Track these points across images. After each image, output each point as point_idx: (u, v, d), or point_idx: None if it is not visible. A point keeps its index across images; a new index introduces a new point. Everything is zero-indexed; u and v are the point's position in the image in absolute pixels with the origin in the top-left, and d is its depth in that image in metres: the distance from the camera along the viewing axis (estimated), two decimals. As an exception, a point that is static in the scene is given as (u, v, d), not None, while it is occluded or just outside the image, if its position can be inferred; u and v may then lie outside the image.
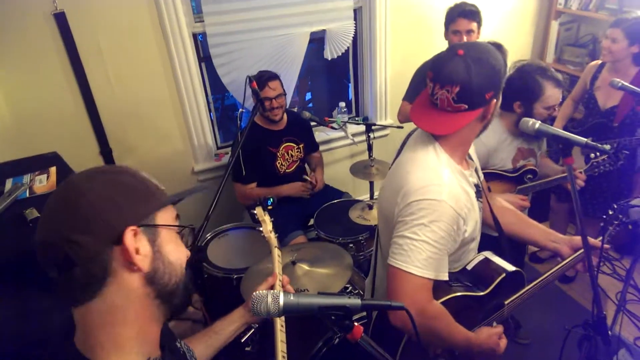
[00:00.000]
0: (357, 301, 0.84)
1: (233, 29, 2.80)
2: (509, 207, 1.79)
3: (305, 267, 2.04)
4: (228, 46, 2.83)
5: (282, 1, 2.84)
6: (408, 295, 1.30)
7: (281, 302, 0.84)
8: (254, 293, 0.87)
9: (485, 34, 2.74)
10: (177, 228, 0.86)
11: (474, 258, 1.58)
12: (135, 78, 2.68)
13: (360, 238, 2.52)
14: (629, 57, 2.55)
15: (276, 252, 1.51)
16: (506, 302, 1.52)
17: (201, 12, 2.71)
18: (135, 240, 0.77)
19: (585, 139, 1.27)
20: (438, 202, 1.29)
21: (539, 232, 1.70)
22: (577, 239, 1.59)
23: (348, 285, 2.26)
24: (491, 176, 2.20)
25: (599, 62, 2.76)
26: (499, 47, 2.53)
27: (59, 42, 2.41)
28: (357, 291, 2.29)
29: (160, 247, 0.82)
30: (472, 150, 1.61)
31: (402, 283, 1.32)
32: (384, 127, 3.34)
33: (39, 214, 1.60)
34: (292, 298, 0.85)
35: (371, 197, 3.05)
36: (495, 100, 1.32)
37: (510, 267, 1.54)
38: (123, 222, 0.76)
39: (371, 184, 3.01)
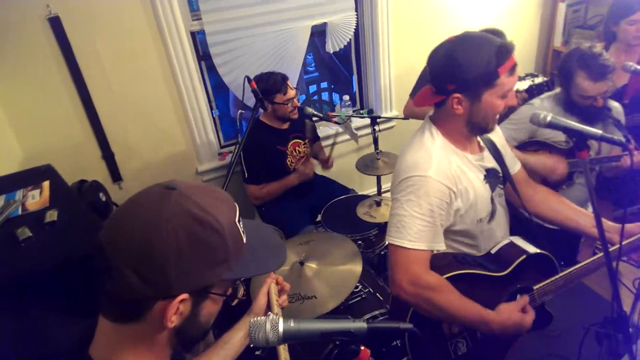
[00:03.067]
0: (362, 325, 0.79)
1: (232, 26, 2.74)
2: (552, 193, 1.75)
3: (314, 266, 2.00)
4: (228, 44, 2.78)
5: (281, -5, 2.78)
6: (403, 268, 1.38)
7: (280, 329, 0.79)
8: (251, 321, 0.83)
9: (492, 17, 2.68)
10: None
11: (499, 243, 1.58)
12: (135, 79, 2.64)
13: (369, 235, 2.48)
14: None
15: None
16: (535, 287, 1.48)
17: (199, 10, 2.66)
18: (180, 304, 0.76)
19: (600, 132, 1.21)
20: (424, 177, 1.36)
21: (585, 218, 1.65)
22: (632, 226, 1.54)
23: (358, 285, 2.22)
24: (542, 145, 2.20)
25: (602, 43, 2.67)
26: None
27: (55, 47, 2.37)
28: (367, 290, 2.25)
29: (199, 311, 0.80)
30: (494, 135, 1.60)
31: (397, 257, 1.40)
32: (389, 119, 3.28)
33: (31, 233, 1.55)
34: (292, 325, 0.80)
35: (378, 192, 2.99)
36: (459, 95, 1.33)
37: (533, 250, 1.51)
38: (183, 287, 0.75)
39: (378, 178, 2.96)
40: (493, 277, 1.47)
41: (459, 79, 1.30)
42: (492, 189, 1.52)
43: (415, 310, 1.44)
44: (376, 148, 2.87)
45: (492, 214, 1.53)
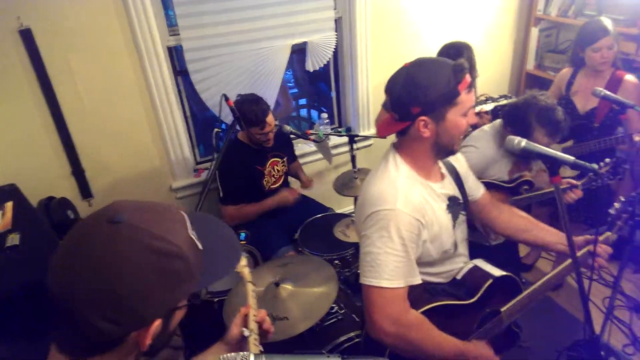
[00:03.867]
0: (337, 360, 0.76)
1: (211, 43, 2.71)
2: (517, 212, 1.78)
3: (290, 287, 1.97)
4: (206, 61, 2.75)
5: (262, 13, 2.77)
6: (382, 309, 1.33)
7: None
8: (221, 357, 0.79)
9: (468, 40, 2.71)
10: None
11: (463, 267, 1.57)
12: (108, 94, 2.58)
13: (346, 254, 2.46)
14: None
15: (250, 287, 1.42)
16: (502, 310, 1.50)
17: (176, 25, 2.63)
18: (155, 327, 0.74)
19: (573, 158, 1.23)
20: (393, 210, 1.32)
21: (549, 235, 1.69)
22: (581, 239, 1.60)
23: (334, 306, 2.19)
24: (487, 186, 2.21)
25: (571, 68, 2.76)
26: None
27: (26, 60, 2.30)
28: (343, 311, 2.22)
29: (169, 325, 0.80)
30: (455, 160, 1.62)
31: (374, 298, 1.34)
32: (367, 137, 3.29)
33: None
34: None
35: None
36: (425, 117, 1.32)
37: (498, 272, 1.52)
38: (154, 314, 0.73)
39: (356, 198, 2.95)
40: (463, 305, 1.46)
41: (422, 100, 1.30)
42: (455, 217, 1.52)
43: (392, 352, 1.41)
44: (354, 167, 2.87)
45: (456, 245, 1.53)
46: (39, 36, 2.29)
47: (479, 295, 1.47)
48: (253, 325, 1.16)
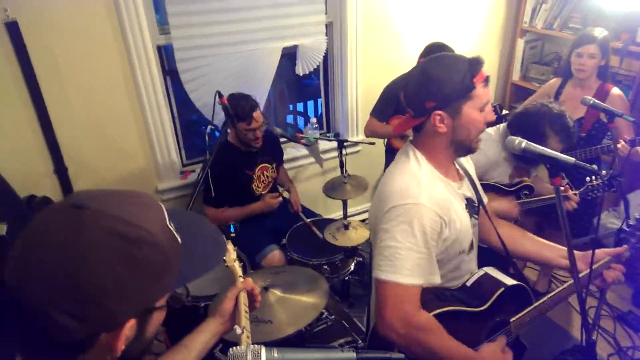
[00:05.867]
0: (351, 355, 0.73)
1: (202, 43, 2.68)
2: (515, 228, 1.75)
3: (278, 293, 1.93)
4: (196, 61, 2.71)
5: (253, 15, 2.75)
6: (394, 306, 1.29)
7: (263, 359, 0.72)
8: (230, 351, 0.75)
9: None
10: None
11: (474, 274, 1.54)
12: (95, 91, 2.52)
13: (335, 259, 2.43)
14: (596, 71, 2.62)
15: (240, 281, 1.38)
16: (512, 320, 1.47)
17: (166, 24, 2.59)
18: (129, 329, 0.67)
19: (574, 159, 1.23)
20: (417, 205, 1.29)
21: (550, 249, 1.66)
22: (596, 252, 1.54)
23: (324, 311, 2.15)
24: (488, 188, 2.22)
25: (560, 78, 2.80)
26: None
27: (11, 53, 2.23)
28: (332, 317, 2.19)
29: (145, 328, 0.72)
30: (469, 166, 1.60)
31: (388, 293, 1.29)
32: (356, 143, 3.29)
33: None
34: (275, 355, 0.73)
35: (344, 215, 2.96)
36: (440, 111, 1.31)
37: (510, 281, 1.49)
38: (126, 312, 0.65)
39: (344, 202, 2.93)
40: (473, 312, 1.43)
41: (437, 95, 1.29)
42: (471, 218, 1.49)
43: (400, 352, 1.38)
44: (343, 172, 2.85)
45: (472, 245, 1.50)
46: (26, 30, 2.23)
47: (489, 303, 1.44)
48: (245, 322, 1.13)
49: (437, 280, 1.34)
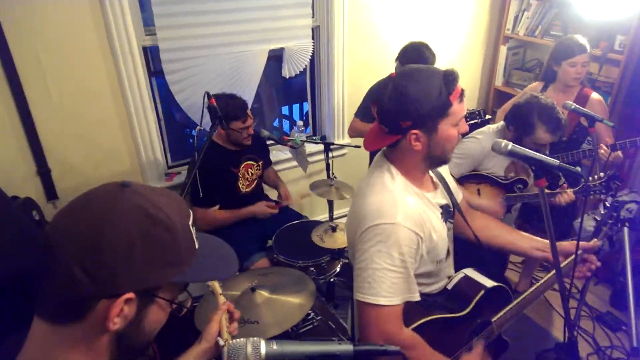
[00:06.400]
0: (348, 347, 0.75)
1: (188, 44, 2.67)
2: (491, 219, 1.78)
3: (266, 294, 1.93)
4: (182, 62, 2.70)
5: (240, 17, 2.76)
6: (377, 327, 1.29)
7: (263, 351, 0.73)
8: (230, 343, 0.76)
9: (440, 60, 2.81)
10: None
11: (453, 277, 1.55)
12: (79, 92, 2.49)
13: (321, 261, 2.43)
14: None
15: (221, 299, 1.35)
16: (493, 320, 1.49)
17: (152, 25, 2.57)
18: (125, 305, 0.72)
19: (558, 161, 1.26)
20: (393, 225, 1.27)
21: (524, 240, 1.68)
22: (566, 244, 1.59)
23: (310, 312, 2.16)
24: (482, 178, 2.25)
25: (541, 82, 2.86)
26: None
27: (-7, 53, 2.20)
28: (319, 318, 2.19)
29: (144, 315, 0.76)
30: (445, 171, 1.61)
31: (370, 315, 1.30)
32: (342, 146, 3.31)
33: None
34: (275, 347, 0.74)
35: (330, 218, 2.97)
36: (416, 130, 1.28)
37: (490, 283, 1.52)
38: (129, 285, 0.71)
39: (330, 204, 2.94)
40: (456, 317, 1.45)
41: (413, 114, 1.25)
42: (446, 223, 1.50)
43: None
44: (329, 176, 2.86)
45: (448, 252, 1.51)
46: (9, 30, 2.19)
47: (470, 307, 1.46)
48: (227, 335, 1.14)
49: (416, 297, 1.34)
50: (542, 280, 1.58)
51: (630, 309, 2.58)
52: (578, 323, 2.68)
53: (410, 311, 1.36)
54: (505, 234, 1.72)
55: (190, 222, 0.82)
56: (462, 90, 1.31)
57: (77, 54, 2.41)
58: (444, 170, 1.61)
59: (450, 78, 1.26)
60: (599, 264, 1.59)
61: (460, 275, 1.56)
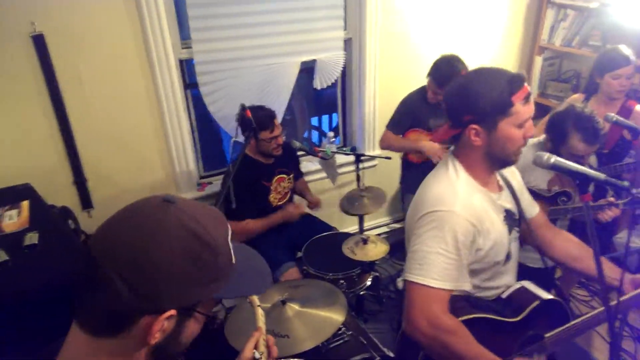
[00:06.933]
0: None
1: (222, 57, 2.72)
2: (573, 238, 1.71)
3: (296, 307, 1.91)
4: (216, 74, 2.74)
5: (273, 30, 2.79)
6: (421, 307, 1.31)
7: None
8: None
9: (475, 65, 2.77)
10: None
11: (510, 287, 1.53)
12: (117, 104, 2.55)
13: (352, 274, 2.40)
14: None
15: (259, 311, 1.34)
16: (547, 335, 1.43)
17: (189, 38, 2.63)
18: (166, 322, 0.73)
19: (604, 175, 1.21)
20: (450, 212, 1.31)
21: (605, 268, 1.59)
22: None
23: (341, 327, 2.12)
24: None
25: (583, 94, 2.78)
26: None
27: (36, 66, 2.28)
28: (350, 333, 2.16)
29: (182, 329, 0.77)
30: (512, 177, 1.59)
31: (416, 295, 1.32)
32: (373, 157, 3.28)
33: (7, 257, 1.42)
34: None
35: (360, 230, 2.94)
36: (476, 125, 1.32)
37: (546, 295, 1.47)
38: (172, 303, 0.72)
39: (361, 217, 2.91)
40: (506, 322, 1.42)
41: (474, 109, 1.31)
42: (509, 231, 1.49)
43: (426, 354, 1.37)
44: (359, 186, 2.84)
45: (508, 257, 1.49)
46: (51, 42, 2.28)
47: (523, 315, 1.42)
48: (263, 348, 1.14)
49: (466, 287, 1.35)
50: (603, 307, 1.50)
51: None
52: (620, 344, 2.55)
53: (457, 307, 1.36)
54: (584, 257, 1.62)
55: (229, 238, 0.83)
56: (529, 93, 1.33)
57: (115, 66, 2.48)
58: (514, 180, 1.60)
59: (516, 79, 1.31)
60: None
61: (517, 285, 1.53)
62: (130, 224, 0.73)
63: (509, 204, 1.51)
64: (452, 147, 1.49)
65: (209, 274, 0.76)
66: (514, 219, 1.51)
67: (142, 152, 2.73)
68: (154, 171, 2.81)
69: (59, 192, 2.55)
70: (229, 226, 0.85)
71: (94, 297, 0.71)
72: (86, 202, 2.66)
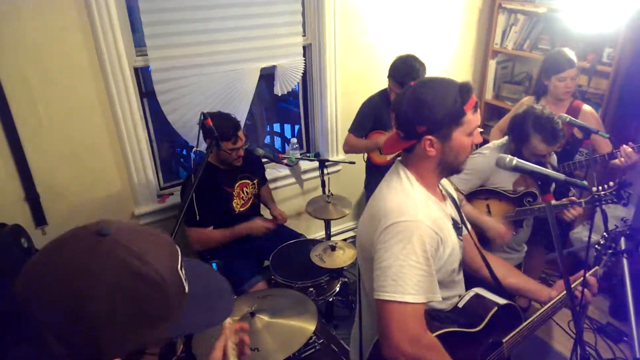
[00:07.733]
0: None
1: (179, 64, 2.64)
2: (502, 262, 1.74)
3: (266, 318, 1.88)
4: (174, 82, 2.67)
5: (232, 36, 2.74)
6: (401, 326, 1.25)
7: None
8: None
9: (430, 74, 2.83)
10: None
11: (464, 295, 1.53)
12: (69, 115, 2.44)
13: (321, 281, 2.39)
14: None
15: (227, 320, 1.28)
16: (504, 340, 1.46)
17: (144, 46, 2.55)
18: None
19: (564, 176, 1.25)
20: (416, 222, 1.29)
21: (531, 284, 1.67)
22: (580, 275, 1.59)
23: (312, 336, 2.10)
24: (491, 194, 2.22)
25: (532, 97, 2.88)
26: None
27: (-20, 76, 2.15)
28: (321, 341, 2.14)
29: None
30: (449, 187, 1.61)
31: (393, 314, 1.26)
32: (337, 162, 3.28)
33: None
34: None
35: (327, 236, 2.93)
36: (430, 136, 1.31)
37: (501, 301, 1.49)
38: (115, 352, 0.63)
39: (327, 222, 2.91)
40: (470, 333, 1.42)
41: (428, 119, 1.30)
42: (458, 237, 1.49)
43: None
44: (324, 191, 2.84)
45: (460, 264, 1.50)
46: (-4, 52, 2.15)
47: (484, 323, 1.43)
48: (233, 358, 1.10)
49: (438, 297, 1.32)
50: (552, 302, 1.55)
51: (631, 323, 2.55)
52: (582, 336, 2.65)
53: (427, 324, 1.33)
54: (512, 275, 1.68)
55: (179, 265, 0.74)
56: (477, 102, 1.35)
57: (66, 76, 2.37)
58: (450, 189, 1.61)
59: (465, 88, 1.31)
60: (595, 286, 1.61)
61: (470, 293, 1.53)
62: (58, 269, 0.64)
63: (453, 213, 1.52)
64: (400, 157, 1.47)
65: (156, 314, 0.67)
66: (458, 227, 1.53)
67: (98, 164, 2.62)
68: (110, 184, 2.70)
69: (10, 210, 2.41)
70: (179, 251, 0.77)
71: (23, 350, 0.65)
72: (40, 218, 2.52)
